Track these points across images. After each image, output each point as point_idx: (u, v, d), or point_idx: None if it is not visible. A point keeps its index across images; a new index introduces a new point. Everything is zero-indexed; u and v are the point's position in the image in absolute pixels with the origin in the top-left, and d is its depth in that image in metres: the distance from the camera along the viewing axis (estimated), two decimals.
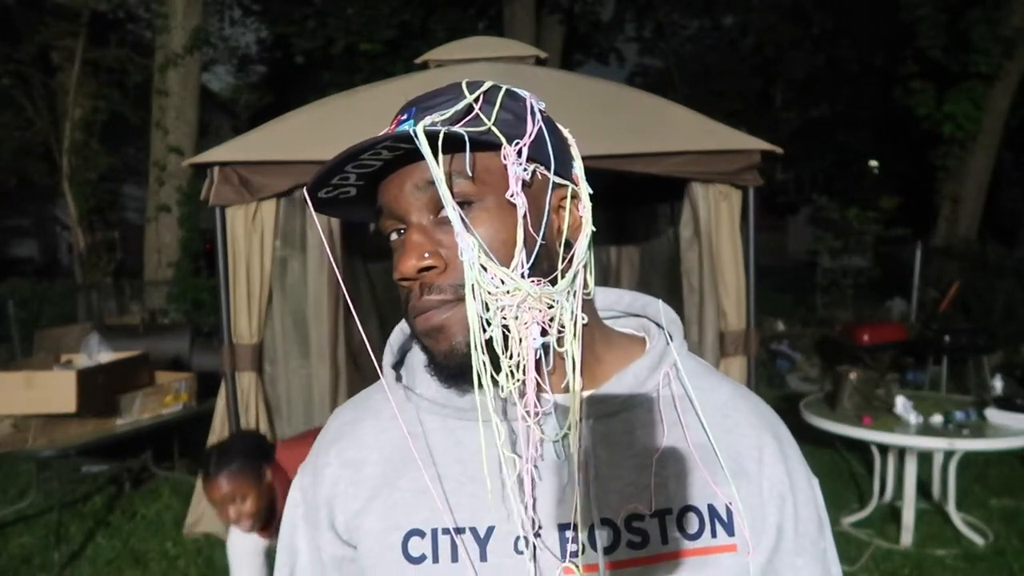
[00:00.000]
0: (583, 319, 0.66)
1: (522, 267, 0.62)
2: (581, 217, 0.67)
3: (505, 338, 0.62)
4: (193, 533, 3.67)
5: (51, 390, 3.46)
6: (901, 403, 3.60)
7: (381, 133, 0.61)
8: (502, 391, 0.63)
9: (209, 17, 9.27)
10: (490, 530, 0.64)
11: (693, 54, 19.96)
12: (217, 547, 3.48)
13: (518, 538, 0.63)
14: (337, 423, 0.75)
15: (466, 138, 0.59)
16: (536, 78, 3.40)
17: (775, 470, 0.70)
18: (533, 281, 0.62)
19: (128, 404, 3.79)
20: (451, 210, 0.60)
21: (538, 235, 0.63)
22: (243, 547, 2.12)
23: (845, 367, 4.00)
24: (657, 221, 4.46)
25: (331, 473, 0.71)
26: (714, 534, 0.66)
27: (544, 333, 0.63)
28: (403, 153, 0.62)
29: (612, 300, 0.80)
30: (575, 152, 0.70)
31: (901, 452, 3.68)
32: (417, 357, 0.72)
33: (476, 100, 0.63)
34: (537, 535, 0.64)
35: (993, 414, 3.54)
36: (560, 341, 0.65)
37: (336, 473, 0.71)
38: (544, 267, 0.64)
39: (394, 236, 0.66)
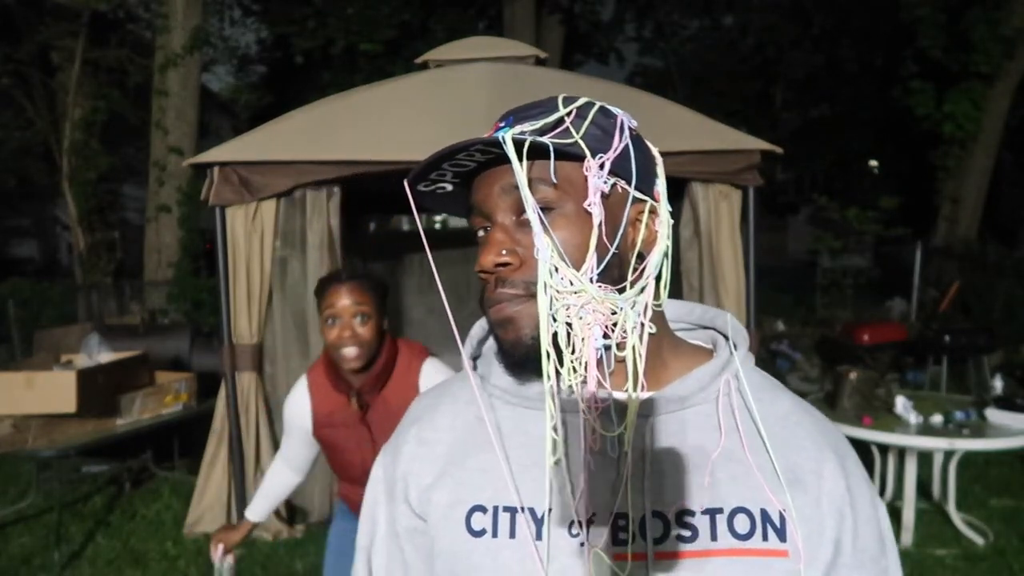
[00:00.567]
0: (651, 328, 0.70)
1: (591, 272, 0.66)
2: (657, 232, 0.71)
3: (569, 336, 0.66)
4: (193, 533, 3.67)
5: (51, 390, 3.46)
6: (901, 403, 3.60)
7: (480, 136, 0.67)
8: (564, 384, 0.67)
9: (209, 17, 9.26)
10: (547, 513, 0.68)
11: (693, 54, 19.98)
12: None
13: (572, 522, 0.67)
14: (419, 406, 0.83)
15: (551, 148, 0.64)
16: (536, 78, 3.36)
17: (835, 485, 0.70)
18: (600, 286, 0.66)
19: (128, 404, 3.79)
20: (530, 211, 0.65)
21: (611, 244, 0.67)
22: (297, 418, 1.92)
23: (845, 367, 3.99)
24: None
25: (408, 451, 0.78)
26: (765, 537, 0.67)
27: (606, 336, 0.67)
28: (495, 157, 0.68)
29: (684, 312, 0.85)
30: (660, 171, 0.75)
31: (901, 452, 3.68)
32: (493, 350, 0.78)
33: (569, 114, 0.69)
34: (591, 522, 0.67)
35: (993, 414, 3.54)
36: (620, 345, 0.69)
37: (412, 451, 0.77)
38: (615, 275, 0.68)
39: (481, 232, 0.72)
